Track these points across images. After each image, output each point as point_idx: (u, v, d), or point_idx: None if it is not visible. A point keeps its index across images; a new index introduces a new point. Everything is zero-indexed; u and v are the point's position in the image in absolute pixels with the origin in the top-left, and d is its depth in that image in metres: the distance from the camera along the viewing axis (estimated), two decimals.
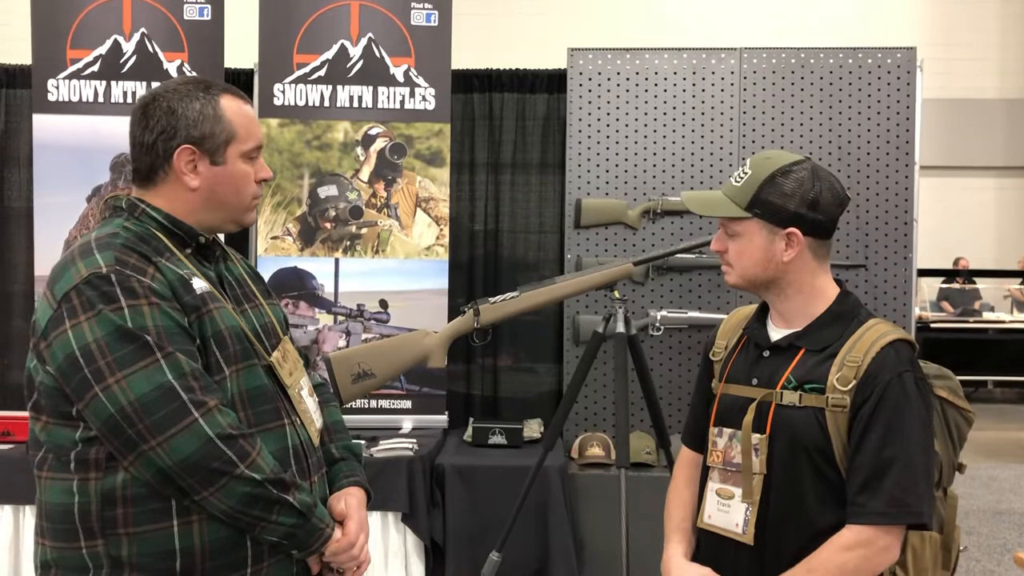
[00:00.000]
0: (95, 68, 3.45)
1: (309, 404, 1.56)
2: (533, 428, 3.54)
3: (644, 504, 2.86)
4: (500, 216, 3.75)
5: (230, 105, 1.48)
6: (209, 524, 1.37)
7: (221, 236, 1.60)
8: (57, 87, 3.45)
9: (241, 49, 3.54)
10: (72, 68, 3.45)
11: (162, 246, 1.44)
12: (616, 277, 2.31)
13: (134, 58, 3.46)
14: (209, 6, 3.45)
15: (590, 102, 3.52)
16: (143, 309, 1.34)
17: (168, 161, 1.44)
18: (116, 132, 3.43)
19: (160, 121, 1.44)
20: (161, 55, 3.46)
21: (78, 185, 3.47)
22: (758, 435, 1.55)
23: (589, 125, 3.53)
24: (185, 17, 3.44)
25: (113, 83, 3.46)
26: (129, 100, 3.46)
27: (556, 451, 3.36)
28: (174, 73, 3.45)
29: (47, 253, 3.41)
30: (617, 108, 3.52)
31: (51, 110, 3.45)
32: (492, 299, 2.22)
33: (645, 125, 3.52)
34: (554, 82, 3.68)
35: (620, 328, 2.49)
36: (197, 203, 1.47)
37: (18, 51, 3.60)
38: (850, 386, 1.49)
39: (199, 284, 1.43)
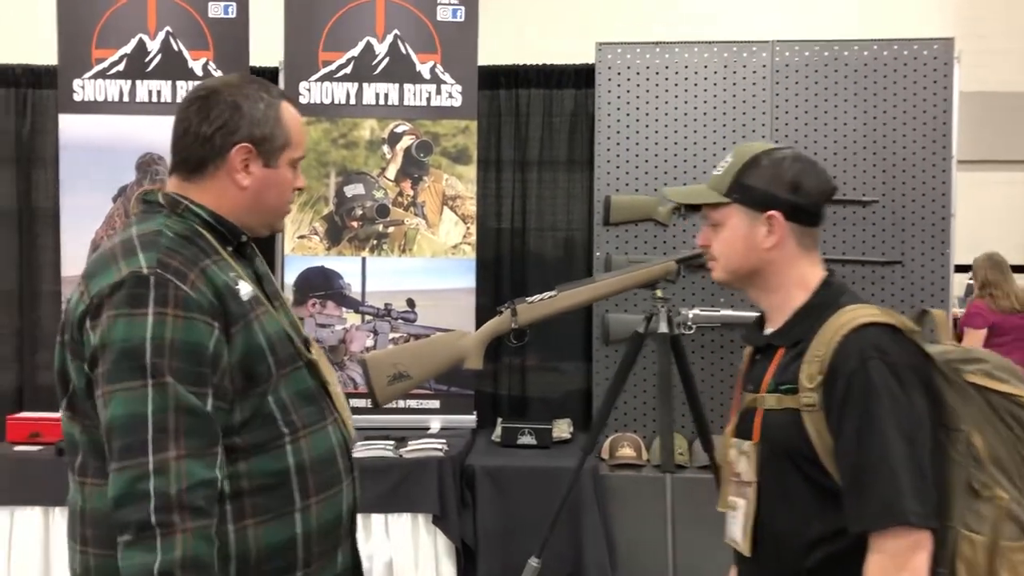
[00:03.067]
0: (120, 67, 3.44)
1: (343, 401, 1.54)
2: (562, 428, 3.49)
3: (678, 505, 2.80)
4: (527, 214, 3.71)
5: (289, 112, 1.47)
6: (265, 528, 1.35)
7: None
8: (83, 87, 3.44)
9: (266, 47, 3.50)
10: (97, 68, 3.43)
11: (208, 246, 1.39)
12: (658, 275, 2.25)
13: (159, 57, 3.44)
14: (234, 4, 3.43)
15: (619, 97, 3.46)
16: (167, 320, 1.28)
17: (223, 156, 1.41)
18: (141, 131, 3.43)
19: (223, 114, 1.40)
20: (186, 53, 3.43)
21: (104, 185, 3.46)
22: (747, 442, 1.47)
23: (618, 120, 3.47)
24: (210, 15, 3.42)
25: (138, 82, 3.44)
26: (154, 99, 3.44)
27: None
28: (199, 72, 3.43)
29: (73, 253, 3.40)
30: (647, 103, 3.46)
31: (77, 110, 3.44)
32: (529, 299, 2.17)
33: (675, 120, 3.46)
34: (581, 77, 3.63)
35: (663, 328, 2.43)
36: (243, 203, 1.44)
37: (43, 52, 3.58)
38: (816, 382, 1.38)
39: (245, 288, 1.39)
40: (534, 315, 2.13)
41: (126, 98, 3.44)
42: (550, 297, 2.18)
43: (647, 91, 3.46)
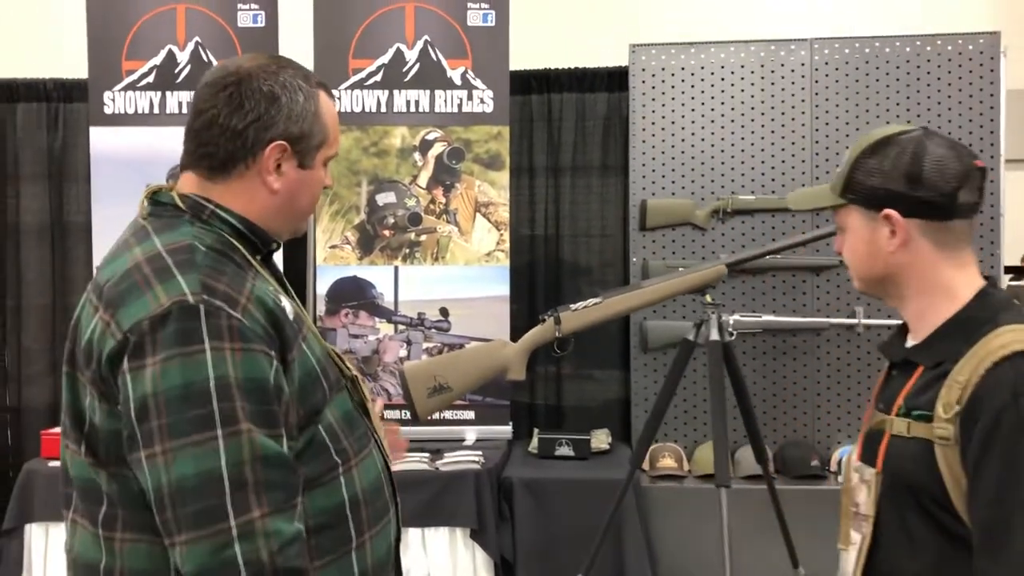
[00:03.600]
0: (150, 79, 3.42)
1: (379, 417, 1.42)
2: (601, 439, 3.41)
3: (717, 516, 2.71)
4: (561, 220, 3.64)
5: (327, 104, 1.30)
6: (323, 574, 1.20)
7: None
8: (113, 99, 3.42)
9: (295, 55, 3.47)
10: (127, 80, 3.42)
11: (243, 260, 1.22)
12: (708, 280, 2.17)
13: (189, 68, 3.41)
14: (263, 12, 3.40)
15: (653, 99, 3.39)
16: (226, 355, 1.10)
17: (255, 154, 1.23)
18: (172, 143, 3.39)
19: (258, 106, 1.22)
20: (215, 64, 3.40)
21: (135, 197, 3.39)
22: (870, 470, 1.31)
23: (653, 123, 3.40)
24: (239, 24, 3.39)
25: (168, 93, 3.42)
26: (184, 111, 3.42)
27: (624, 461, 3.24)
28: None
29: None
30: (682, 104, 3.39)
31: (108, 122, 3.42)
32: (573, 306, 2.09)
33: (712, 122, 3.38)
34: (614, 80, 3.57)
35: (715, 335, 2.35)
36: (273, 207, 1.27)
37: (74, 65, 3.58)
38: (952, 412, 1.19)
39: (288, 305, 1.23)
40: (579, 323, 2.06)
41: (156, 110, 3.43)
42: (595, 304, 2.10)
43: (682, 92, 3.38)
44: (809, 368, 3.33)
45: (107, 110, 3.42)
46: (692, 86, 3.38)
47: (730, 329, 3.28)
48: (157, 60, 3.42)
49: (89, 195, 3.48)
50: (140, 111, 3.42)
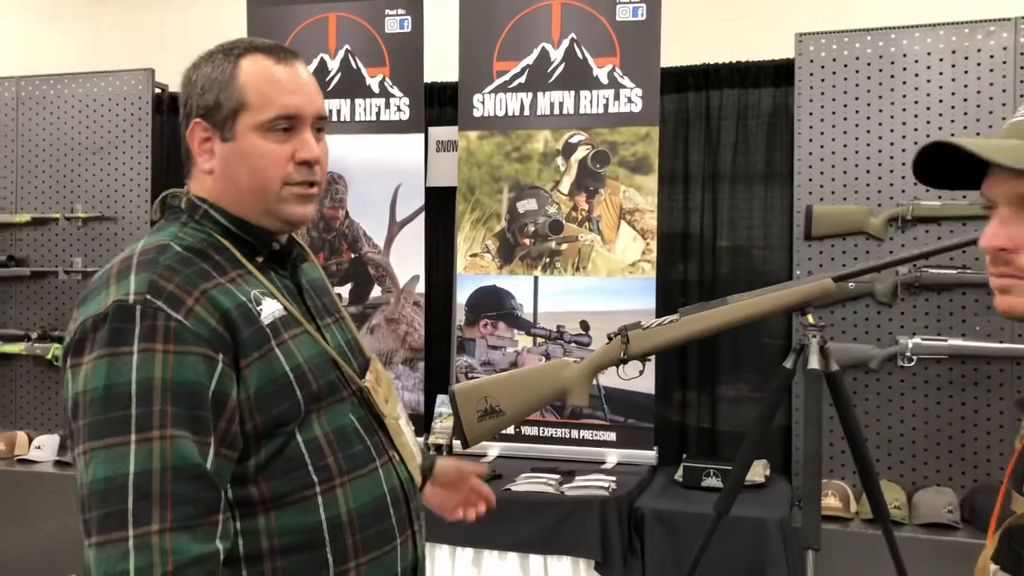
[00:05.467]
0: None
1: (408, 435, 1.28)
2: (757, 471, 3.08)
3: (886, 567, 2.34)
4: (718, 227, 3.34)
5: (250, 67, 1.20)
6: None
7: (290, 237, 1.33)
8: None
9: (440, 60, 3.41)
10: None
11: (230, 259, 1.18)
12: (808, 297, 1.83)
13: (339, 76, 3.44)
14: (409, 17, 3.36)
15: (823, 93, 3.03)
16: (155, 358, 1.05)
17: (191, 141, 1.22)
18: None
19: (183, 93, 1.23)
20: (364, 71, 3.41)
21: None
22: None
23: (822, 120, 3.03)
24: (386, 30, 3.37)
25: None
26: (333, 118, 3.44)
27: (780, 497, 2.90)
28: (376, 89, 3.39)
29: None
30: (856, 99, 3.00)
31: None
32: (645, 324, 1.84)
33: (892, 117, 2.97)
34: (781, 74, 3.23)
35: (814, 363, 1.99)
36: (219, 191, 1.21)
37: None
38: None
39: (271, 308, 1.17)
40: (649, 344, 1.79)
41: None
42: (670, 322, 1.83)
43: (856, 85, 3.00)
44: (1006, 403, 2.84)
45: None
46: (868, 77, 2.99)
47: (909, 353, 2.89)
48: (310, 69, 3.45)
49: None
50: None
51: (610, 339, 1.76)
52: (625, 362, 1.75)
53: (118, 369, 1.05)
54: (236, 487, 1.10)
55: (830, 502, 2.86)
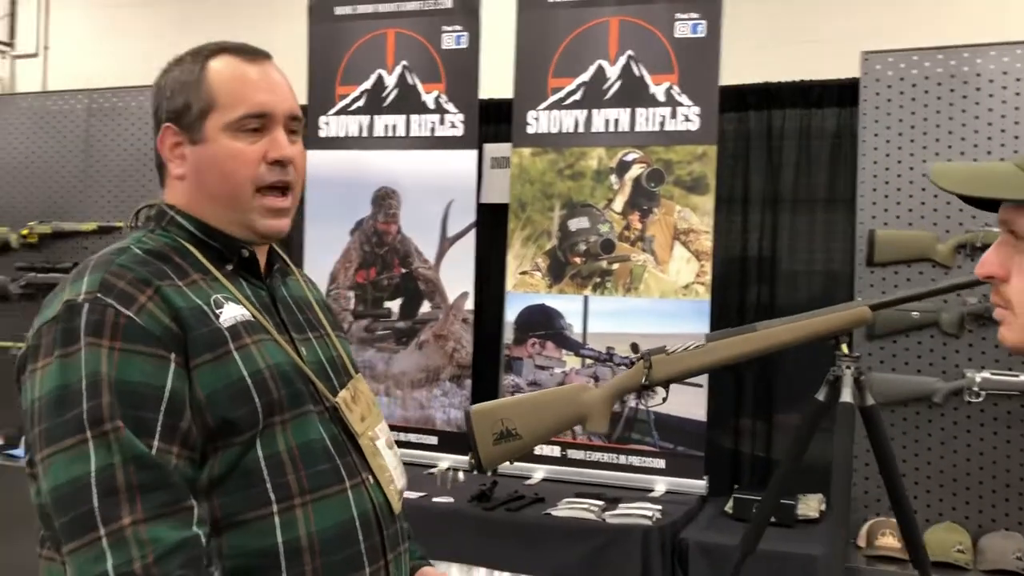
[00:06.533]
0: (360, 103, 3.49)
1: (387, 458, 1.22)
2: (811, 505, 2.96)
3: None
4: (777, 251, 3.23)
5: (219, 67, 1.18)
6: None
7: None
8: (328, 123, 3.53)
9: (495, 77, 3.38)
10: (340, 104, 3.51)
11: (193, 263, 1.15)
12: (843, 325, 1.72)
13: (395, 92, 3.44)
14: (466, 34, 3.35)
15: (889, 114, 2.91)
16: (102, 353, 1.02)
17: (161, 147, 1.20)
18: (377, 165, 3.45)
19: (153, 100, 1.22)
20: (420, 87, 3.41)
21: (342, 219, 3.51)
22: None
23: (888, 142, 2.91)
24: (442, 46, 3.37)
25: (376, 117, 3.47)
26: (389, 133, 3.45)
27: (833, 534, 2.77)
28: (431, 105, 3.39)
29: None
30: (924, 120, 2.87)
31: (322, 146, 3.53)
32: (670, 348, 1.76)
33: (963, 139, 2.84)
34: (845, 94, 3.12)
35: (847, 396, 1.87)
36: (193, 198, 1.19)
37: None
38: None
39: (232, 311, 1.13)
40: (672, 370, 1.71)
41: (364, 133, 3.48)
42: (695, 348, 1.75)
43: (925, 105, 2.87)
44: None
45: (321, 133, 3.53)
46: (938, 98, 2.86)
47: (976, 388, 2.74)
48: (367, 84, 3.48)
49: (303, 215, 3.60)
50: (350, 134, 3.50)
51: (631, 363, 1.70)
52: (647, 388, 1.68)
53: (70, 369, 1.02)
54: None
55: (888, 542, 2.72)
